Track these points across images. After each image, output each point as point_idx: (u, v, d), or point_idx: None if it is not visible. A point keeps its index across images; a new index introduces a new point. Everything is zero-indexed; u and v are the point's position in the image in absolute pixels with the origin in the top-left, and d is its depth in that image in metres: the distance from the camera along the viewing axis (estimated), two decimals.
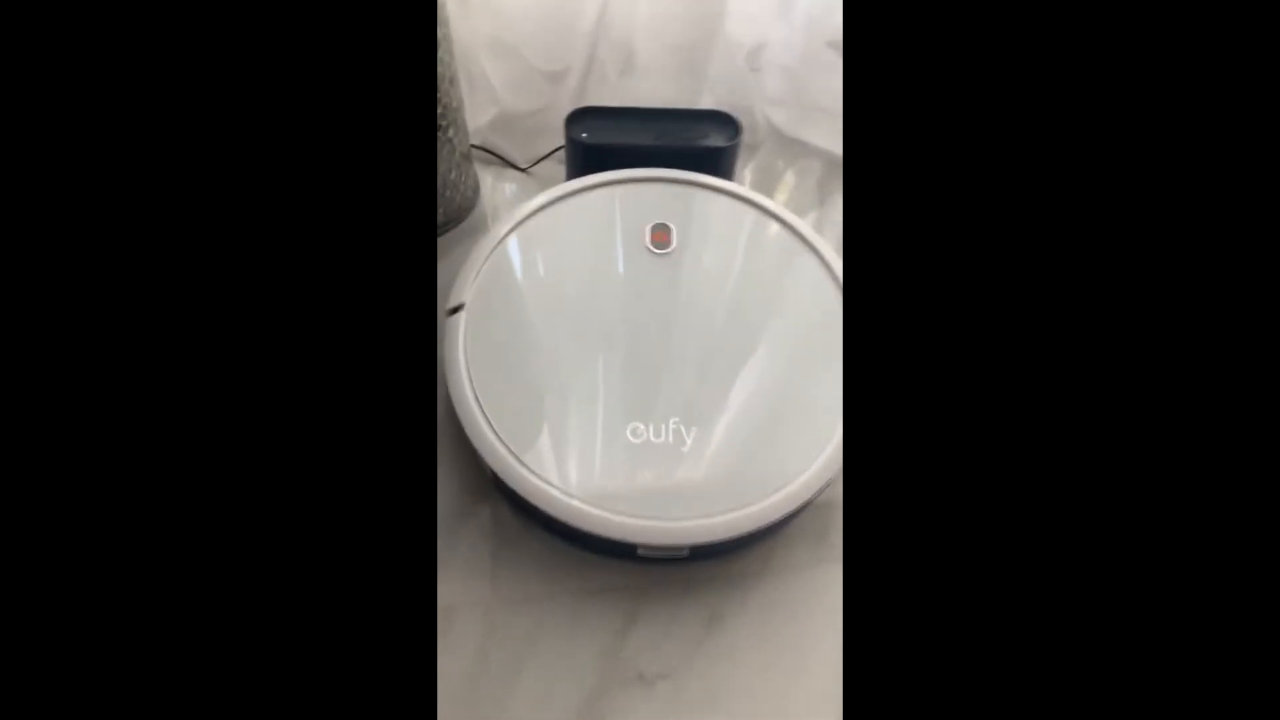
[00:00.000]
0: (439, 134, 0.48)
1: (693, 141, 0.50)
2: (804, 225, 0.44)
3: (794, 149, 0.63)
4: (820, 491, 0.36)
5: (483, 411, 0.36)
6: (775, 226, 0.45)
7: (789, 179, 0.62)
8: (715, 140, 0.51)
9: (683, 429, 0.36)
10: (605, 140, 0.50)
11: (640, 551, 0.34)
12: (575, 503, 0.34)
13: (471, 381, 0.37)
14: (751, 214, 0.45)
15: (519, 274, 0.42)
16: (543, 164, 0.61)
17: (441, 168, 0.50)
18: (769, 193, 0.60)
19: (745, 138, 0.55)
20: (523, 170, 0.61)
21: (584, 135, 0.50)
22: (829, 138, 0.62)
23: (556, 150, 0.59)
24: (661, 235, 0.44)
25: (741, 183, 0.50)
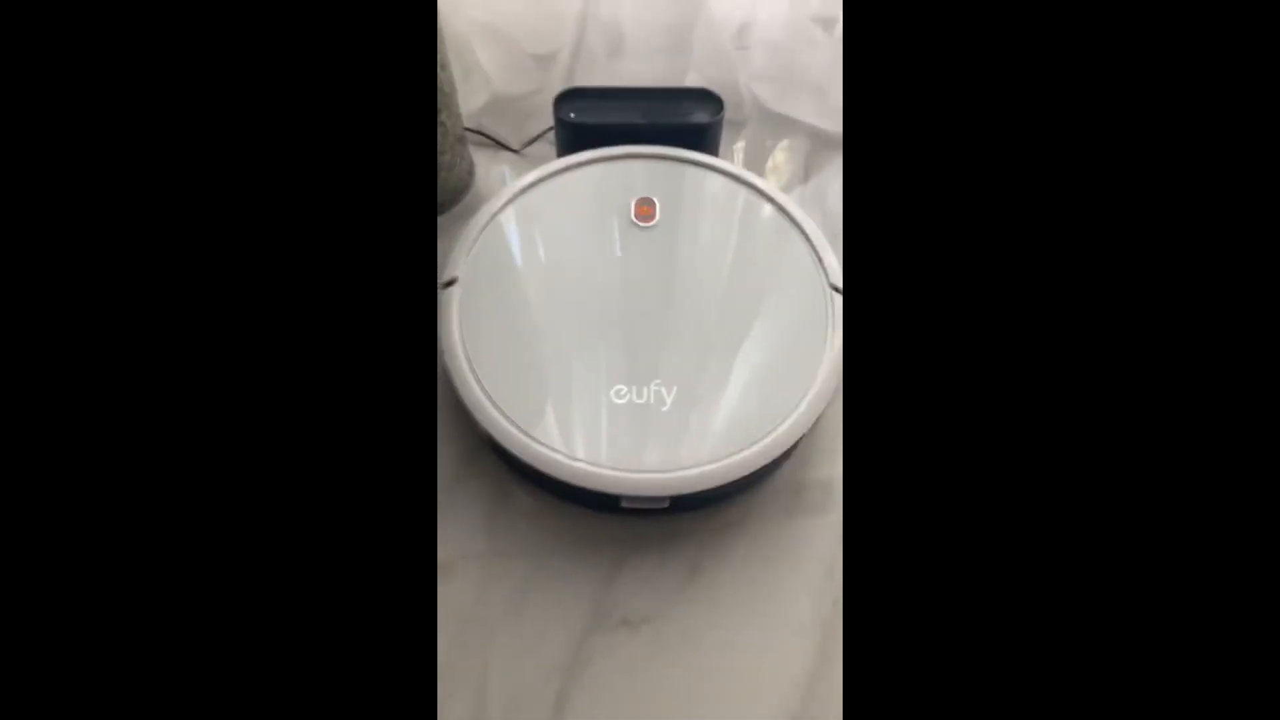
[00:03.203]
0: None
1: (677, 119, 0.52)
2: (780, 194, 0.46)
3: (779, 124, 0.65)
4: (793, 448, 0.38)
5: (476, 378, 0.39)
6: (754, 197, 0.47)
7: (776, 154, 0.64)
8: (699, 117, 0.52)
9: (663, 390, 0.38)
10: (593, 119, 0.52)
11: (624, 504, 0.37)
12: (563, 459, 0.36)
13: (465, 351, 0.40)
14: (731, 186, 0.47)
15: (510, 248, 0.45)
16: (535, 145, 0.63)
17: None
18: (757, 168, 0.62)
19: (731, 114, 0.56)
20: (515, 152, 0.63)
21: (572, 115, 0.52)
22: (814, 113, 0.63)
23: (547, 131, 0.61)
24: (645, 209, 0.45)
25: (729, 159, 0.52)
